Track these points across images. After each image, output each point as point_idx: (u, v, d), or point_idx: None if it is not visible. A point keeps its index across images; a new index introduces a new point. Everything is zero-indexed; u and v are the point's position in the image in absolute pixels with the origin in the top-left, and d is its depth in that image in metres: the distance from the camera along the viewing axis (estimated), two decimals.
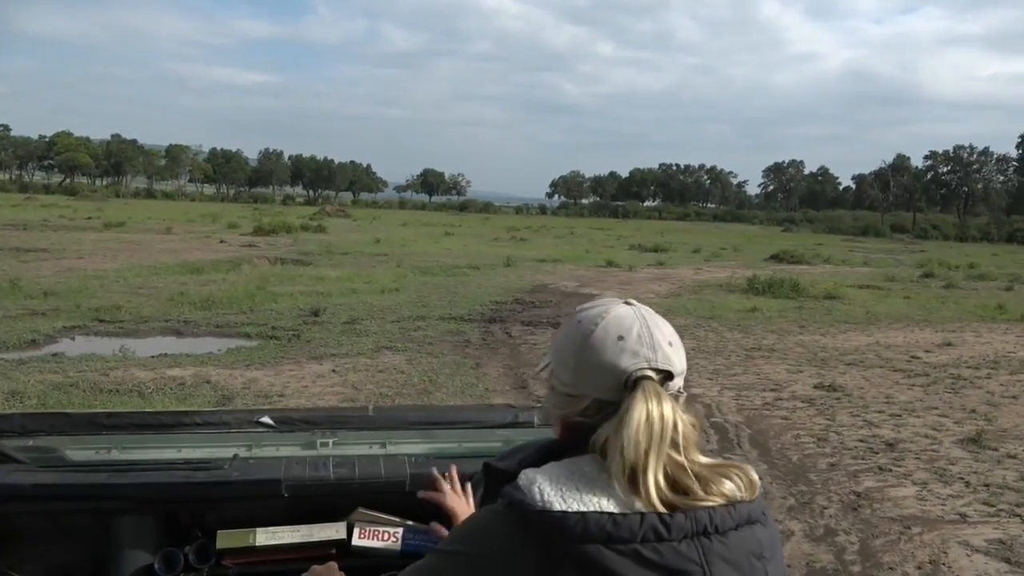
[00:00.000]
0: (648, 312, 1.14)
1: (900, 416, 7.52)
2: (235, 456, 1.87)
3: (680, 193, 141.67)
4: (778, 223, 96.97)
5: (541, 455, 1.12)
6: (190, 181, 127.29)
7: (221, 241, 27.15)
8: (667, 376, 1.08)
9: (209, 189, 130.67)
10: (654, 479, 1.00)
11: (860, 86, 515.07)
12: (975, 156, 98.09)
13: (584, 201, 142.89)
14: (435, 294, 15.34)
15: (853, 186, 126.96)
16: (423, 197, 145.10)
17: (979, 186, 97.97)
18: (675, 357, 1.10)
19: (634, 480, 1.00)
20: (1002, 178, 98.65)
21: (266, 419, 2.07)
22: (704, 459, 1.06)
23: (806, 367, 9.68)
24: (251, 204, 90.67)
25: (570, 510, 0.97)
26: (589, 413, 1.09)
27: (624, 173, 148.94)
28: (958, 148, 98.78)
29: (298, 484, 1.78)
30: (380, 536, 1.75)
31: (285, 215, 49.45)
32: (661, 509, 0.99)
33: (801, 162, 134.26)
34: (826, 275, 23.74)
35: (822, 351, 10.79)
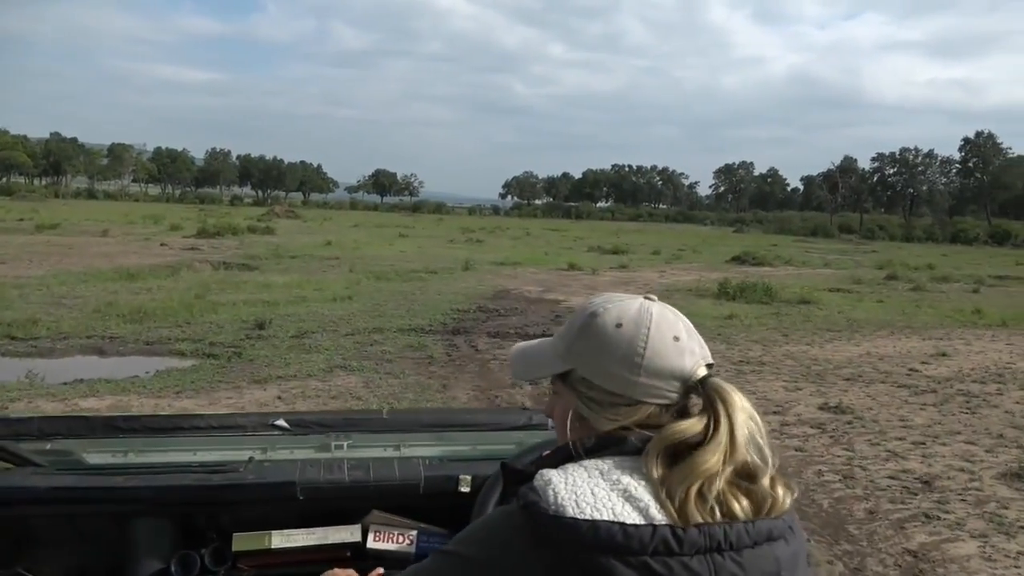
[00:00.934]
0: (666, 306, 1.12)
1: (924, 444, 6.66)
2: (250, 459, 1.87)
3: (632, 194, 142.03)
4: (729, 224, 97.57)
5: (561, 456, 1.06)
6: (134, 181, 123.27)
7: (161, 244, 25.55)
8: (710, 368, 1.08)
9: (154, 189, 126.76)
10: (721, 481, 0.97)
11: (805, 90, 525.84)
12: (920, 158, 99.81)
13: (537, 202, 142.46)
14: (392, 302, 14.20)
15: (801, 187, 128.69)
16: (375, 198, 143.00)
17: (924, 188, 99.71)
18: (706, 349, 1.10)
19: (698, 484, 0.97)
20: (944, 180, 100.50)
21: (281, 422, 2.02)
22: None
23: (803, 383, 8.81)
24: (197, 205, 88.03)
25: (581, 517, 0.93)
26: (652, 420, 1.06)
27: (577, 174, 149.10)
28: (904, 151, 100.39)
29: (313, 487, 1.76)
30: (395, 539, 1.75)
31: (232, 216, 47.70)
32: (675, 519, 0.95)
33: (751, 164, 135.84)
34: (791, 278, 23.16)
35: (814, 364, 9.95)
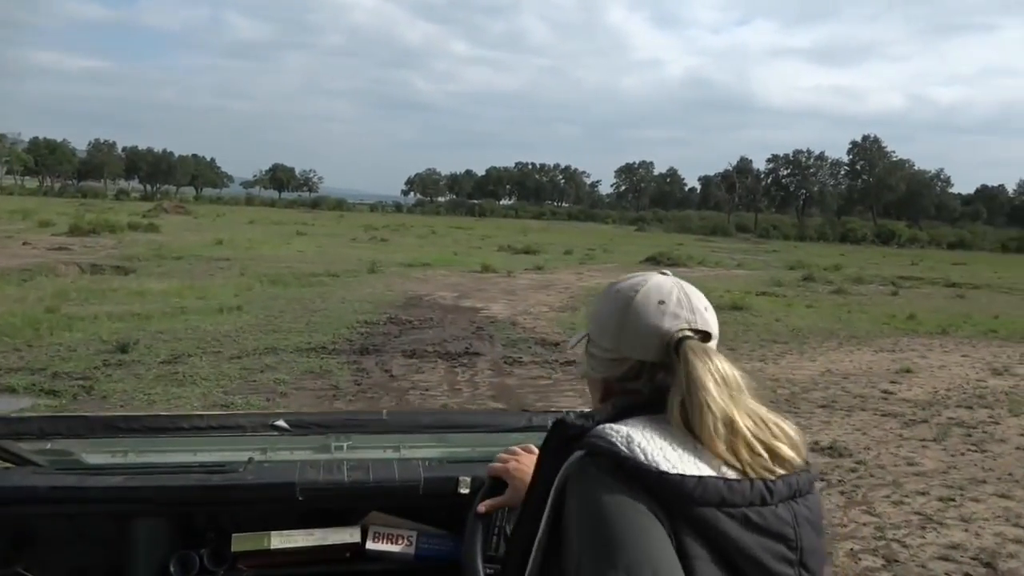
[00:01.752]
0: (683, 281, 1.20)
1: (953, 500, 5.40)
2: (250, 459, 1.86)
3: (536, 192, 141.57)
4: (630, 222, 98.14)
5: (614, 414, 1.09)
6: (8, 173, 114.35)
7: (24, 243, 22.55)
8: (705, 337, 1.13)
9: (32, 182, 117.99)
10: (745, 430, 1.02)
11: (700, 92, 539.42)
12: (812, 160, 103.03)
13: (441, 199, 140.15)
14: (288, 312, 12.30)
15: (699, 187, 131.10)
16: (272, 194, 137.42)
17: (815, 189, 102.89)
18: (712, 321, 1.16)
19: (728, 437, 1.02)
20: (833, 182, 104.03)
21: (281, 423, 1.94)
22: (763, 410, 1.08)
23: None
24: (79, 199, 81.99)
25: (685, 472, 0.98)
26: (631, 375, 1.14)
27: (480, 171, 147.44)
28: (797, 152, 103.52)
29: (312, 487, 1.74)
30: (394, 540, 1.74)
31: (115, 212, 43.92)
32: (732, 473, 1.01)
33: (651, 163, 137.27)
34: (710, 280, 22.30)
35: (779, 386, 8.71)
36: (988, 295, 22.31)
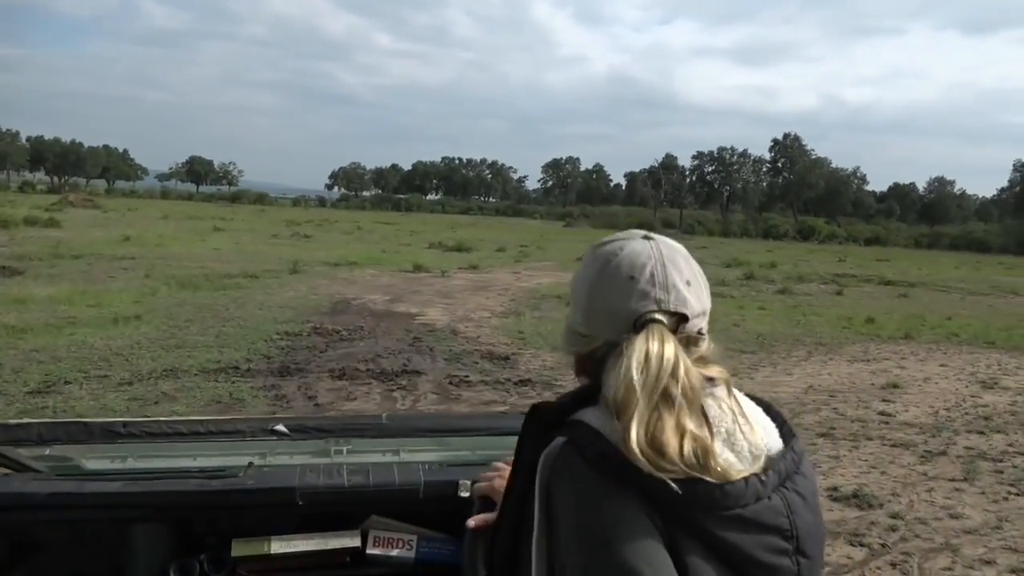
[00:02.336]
0: (668, 247, 1.07)
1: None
2: (250, 464, 1.83)
3: (463, 187, 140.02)
4: (558, 218, 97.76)
5: (573, 399, 1.03)
6: None
7: None
8: (681, 319, 1.02)
9: None
10: (636, 431, 0.92)
11: (625, 89, 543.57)
12: (736, 157, 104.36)
13: (366, 193, 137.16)
14: (197, 322, 10.68)
15: (624, 183, 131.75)
16: (190, 187, 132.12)
17: (739, 185, 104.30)
18: (692, 298, 1.04)
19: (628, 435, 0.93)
20: (755, 179, 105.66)
21: (280, 427, 1.95)
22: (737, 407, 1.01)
23: None
24: None
25: (670, 474, 0.91)
26: (600, 354, 1.04)
27: (406, 166, 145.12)
28: (722, 149, 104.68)
29: (312, 492, 1.73)
30: (394, 544, 1.72)
31: (14, 205, 40.76)
32: (638, 458, 0.92)
33: (577, 159, 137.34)
34: None
35: None
36: (927, 294, 21.99)
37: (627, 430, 0.92)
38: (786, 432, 1.05)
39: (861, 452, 6.33)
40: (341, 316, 12.16)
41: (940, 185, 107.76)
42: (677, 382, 0.95)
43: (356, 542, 1.73)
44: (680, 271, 1.05)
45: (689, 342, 1.02)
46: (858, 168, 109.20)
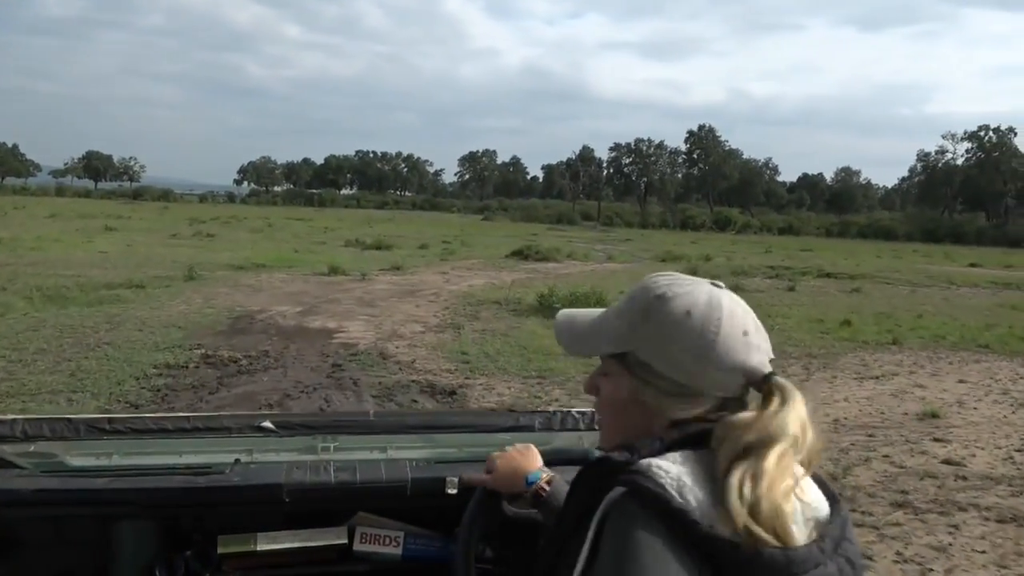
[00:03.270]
0: (738, 297, 1.07)
1: None
2: (236, 461, 1.82)
3: (378, 181, 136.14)
4: (476, 211, 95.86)
5: (661, 447, 0.98)
6: None
7: None
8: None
9: None
10: (781, 485, 0.91)
11: (537, 82, 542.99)
12: (652, 149, 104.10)
13: (277, 189, 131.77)
14: (51, 354, 8.27)
15: (541, 176, 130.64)
16: (89, 183, 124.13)
17: (656, 177, 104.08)
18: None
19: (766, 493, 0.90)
20: (669, 170, 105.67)
21: (267, 424, 1.96)
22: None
23: None
24: None
25: (733, 538, 0.87)
26: (709, 412, 1.01)
27: (319, 160, 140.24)
28: (639, 141, 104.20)
29: (299, 489, 1.69)
30: (382, 541, 1.71)
31: None
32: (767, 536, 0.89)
33: (494, 152, 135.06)
34: (589, 276, 19.67)
35: None
36: (875, 287, 20.87)
37: (779, 489, 0.91)
38: (830, 494, 1.01)
39: (965, 535, 4.58)
40: (241, 337, 9.89)
41: (847, 175, 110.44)
42: (807, 437, 0.96)
43: (343, 539, 1.70)
44: (757, 320, 1.06)
45: None
46: (770, 159, 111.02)
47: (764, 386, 1.00)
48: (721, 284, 1.08)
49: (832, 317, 13.50)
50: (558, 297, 12.54)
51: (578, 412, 2.06)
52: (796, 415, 0.96)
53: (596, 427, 1.88)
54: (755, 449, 0.93)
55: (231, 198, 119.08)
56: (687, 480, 0.92)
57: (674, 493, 0.90)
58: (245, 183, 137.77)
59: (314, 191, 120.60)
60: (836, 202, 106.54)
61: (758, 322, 1.05)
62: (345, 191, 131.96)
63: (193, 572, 1.66)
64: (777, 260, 30.56)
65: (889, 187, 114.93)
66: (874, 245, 57.92)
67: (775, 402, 0.97)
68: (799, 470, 0.95)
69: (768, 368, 1.01)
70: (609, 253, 30.88)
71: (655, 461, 0.94)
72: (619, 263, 26.34)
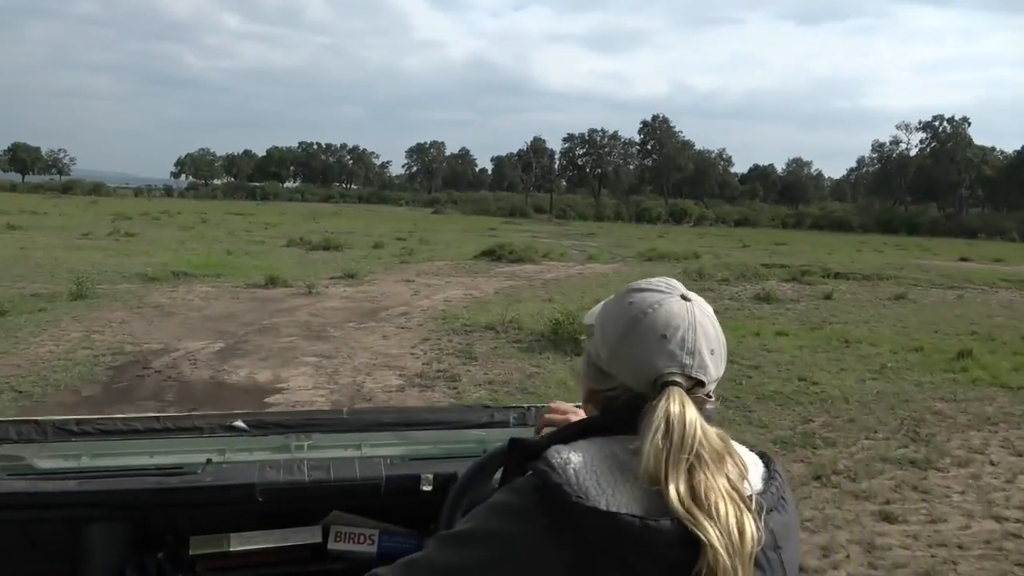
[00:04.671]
0: (701, 312, 1.08)
1: None
2: (208, 461, 1.77)
3: (323, 173, 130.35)
4: (425, 204, 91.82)
5: (570, 432, 1.07)
6: None
7: None
8: (697, 384, 1.05)
9: None
10: (675, 489, 0.95)
11: (483, 75, 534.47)
12: (606, 140, 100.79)
13: (217, 182, 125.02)
14: None
15: (490, 168, 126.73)
16: (16, 176, 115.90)
17: (611, 168, 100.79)
18: (712, 366, 1.07)
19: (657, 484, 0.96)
20: (621, 161, 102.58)
21: (239, 423, 1.92)
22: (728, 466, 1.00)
23: None
24: None
25: (602, 506, 0.94)
26: (615, 394, 1.08)
27: (260, 152, 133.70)
28: (592, 131, 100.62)
29: (272, 488, 1.63)
30: (356, 539, 1.68)
31: None
32: (682, 514, 0.93)
33: (443, 143, 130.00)
34: (578, 281, 16.32)
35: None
36: (911, 291, 17.81)
37: (666, 493, 0.94)
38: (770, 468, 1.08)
39: None
40: (119, 407, 6.21)
41: (797, 166, 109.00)
42: (704, 444, 0.98)
43: (317, 538, 1.66)
44: (708, 339, 1.07)
45: (696, 403, 1.03)
46: (724, 150, 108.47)
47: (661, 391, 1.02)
48: (690, 297, 1.10)
49: (923, 339, 10.35)
50: (578, 324, 9.08)
51: None
52: (662, 414, 0.99)
53: None
54: (648, 467, 0.96)
55: (169, 192, 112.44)
56: (576, 459, 0.97)
57: (557, 469, 0.96)
58: (183, 176, 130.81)
59: (256, 184, 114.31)
60: (787, 193, 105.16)
61: (695, 339, 1.05)
62: (288, 184, 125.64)
63: (165, 574, 1.61)
64: (763, 256, 27.68)
65: (837, 178, 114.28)
66: (835, 237, 55.94)
67: (649, 411, 1.00)
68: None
69: (670, 377, 1.03)
70: (586, 251, 27.32)
71: (558, 446, 1.01)
72: (603, 263, 22.88)
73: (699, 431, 0.99)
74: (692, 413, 1.00)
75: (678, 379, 1.03)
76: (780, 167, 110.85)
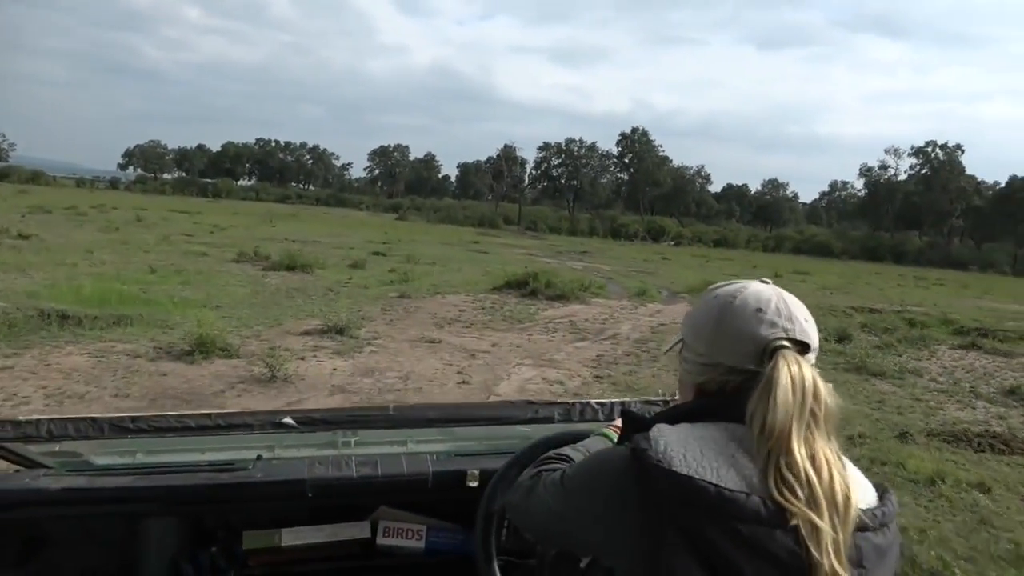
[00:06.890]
0: (783, 291, 1.10)
1: None
2: (258, 457, 1.77)
3: (280, 172, 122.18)
4: (386, 209, 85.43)
5: (676, 415, 1.06)
6: None
7: None
8: (804, 348, 1.04)
9: None
10: (798, 449, 0.93)
11: (447, 82, 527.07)
12: (583, 151, 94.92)
13: (167, 176, 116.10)
14: None
15: (453, 175, 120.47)
16: None
17: (587, 181, 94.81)
18: (812, 332, 1.07)
19: (771, 452, 0.94)
20: (594, 174, 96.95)
21: (288, 420, 1.82)
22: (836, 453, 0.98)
23: None
24: None
25: (683, 471, 0.92)
26: (724, 379, 1.07)
27: (215, 147, 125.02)
28: (570, 142, 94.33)
29: (322, 484, 1.66)
30: (404, 534, 1.67)
31: None
32: (775, 493, 0.91)
33: (407, 147, 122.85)
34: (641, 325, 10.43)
35: None
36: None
37: (789, 450, 0.92)
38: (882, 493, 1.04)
39: None
40: None
41: (774, 187, 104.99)
42: (819, 407, 0.96)
43: (366, 533, 1.67)
44: (800, 308, 1.07)
45: None
46: (703, 167, 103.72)
47: (773, 357, 1.00)
48: (768, 280, 1.12)
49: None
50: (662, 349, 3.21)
51: (597, 403, 1.94)
52: (786, 372, 0.97)
53: (614, 418, 1.74)
54: (771, 422, 0.95)
55: (115, 185, 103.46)
56: (669, 435, 0.97)
57: (653, 442, 0.96)
58: (131, 168, 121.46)
59: (208, 180, 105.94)
60: (761, 214, 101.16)
61: (788, 307, 1.06)
62: (243, 182, 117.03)
63: (218, 568, 1.60)
64: (820, 295, 22.31)
65: (807, 203, 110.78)
66: (828, 263, 51.86)
67: (768, 370, 0.99)
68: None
69: (778, 342, 1.01)
70: (620, 283, 21.27)
71: (662, 424, 1.01)
72: (661, 303, 17.02)
73: (821, 389, 0.97)
74: (809, 372, 0.99)
75: (786, 343, 1.02)
76: (754, 187, 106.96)
